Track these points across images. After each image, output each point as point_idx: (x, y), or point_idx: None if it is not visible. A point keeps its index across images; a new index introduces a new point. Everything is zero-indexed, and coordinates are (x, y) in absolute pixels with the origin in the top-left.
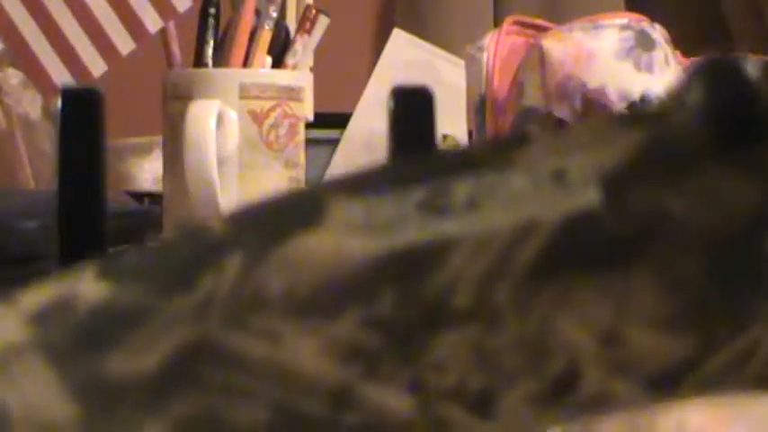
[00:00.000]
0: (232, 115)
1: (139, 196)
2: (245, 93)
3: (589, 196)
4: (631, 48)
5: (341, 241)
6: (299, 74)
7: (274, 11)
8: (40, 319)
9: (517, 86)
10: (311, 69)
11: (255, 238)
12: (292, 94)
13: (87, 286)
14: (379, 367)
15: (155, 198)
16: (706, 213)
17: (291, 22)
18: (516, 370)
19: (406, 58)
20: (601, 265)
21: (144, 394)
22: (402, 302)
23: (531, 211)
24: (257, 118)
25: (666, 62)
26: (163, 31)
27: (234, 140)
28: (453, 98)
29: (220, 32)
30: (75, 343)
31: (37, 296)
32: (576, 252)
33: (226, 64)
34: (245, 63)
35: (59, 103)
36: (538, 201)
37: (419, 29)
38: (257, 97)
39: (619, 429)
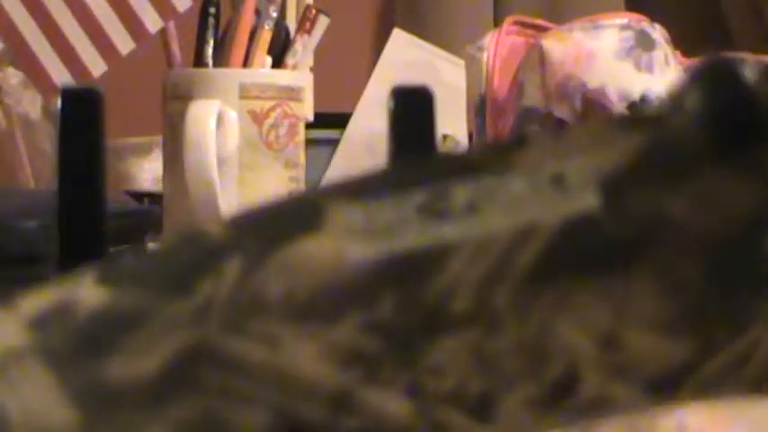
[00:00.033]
0: (232, 115)
1: (139, 196)
2: (245, 93)
3: (588, 200)
4: (631, 48)
5: (340, 245)
6: (299, 74)
7: (274, 11)
8: (40, 324)
9: (517, 86)
10: (311, 69)
11: (255, 243)
12: (292, 94)
13: (87, 291)
14: (379, 372)
15: (155, 198)
16: (705, 216)
17: (291, 22)
18: (515, 374)
19: (406, 58)
20: (600, 268)
21: (143, 398)
22: (401, 307)
23: (531, 215)
24: (257, 118)
25: (666, 62)
26: (163, 31)
27: (234, 140)
28: (453, 98)
29: (220, 32)
30: (74, 348)
31: (36, 301)
32: (576, 256)
33: (226, 64)
34: (245, 63)
35: (59, 103)
36: (537, 204)
37: (419, 29)
38: (257, 97)
39: (618, 431)
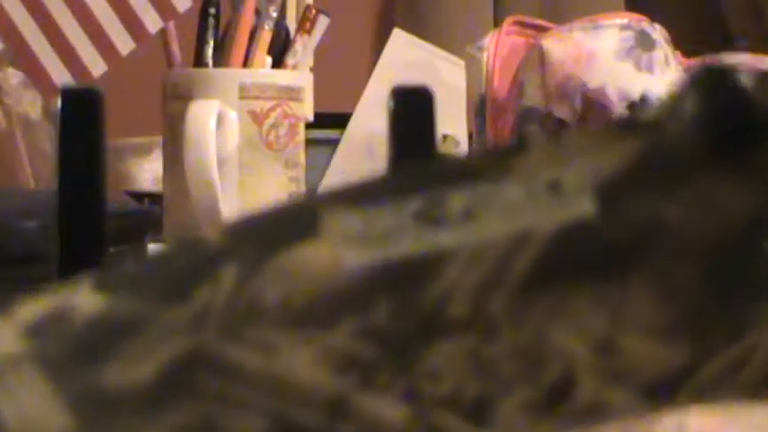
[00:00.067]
0: (232, 115)
1: (139, 196)
2: (245, 93)
3: (584, 206)
4: (631, 48)
5: (337, 252)
6: (299, 74)
7: (274, 11)
8: (37, 330)
9: (517, 86)
10: (311, 69)
11: (252, 249)
12: (292, 94)
13: (84, 298)
14: (375, 377)
15: (155, 198)
16: (702, 221)
17: (291, 22)
18: (512, 378)
19: (406, 58)
20: (596, 274)
21: (140, 405)
22: (397, 313)
23: (526, 222)
24: (257, 118)
25: (666, 62)
26: (163, 31)
27: (234, 140)
28: (453, 98)
29: (220, 32)
30: (71, 354)
31: (33, 308)
32: (571, 262)
33: (226, 64)
34: (245, 63)
35: (59, 103)
36: (533, 211)
37: (419, 29)
38: (257, 97)
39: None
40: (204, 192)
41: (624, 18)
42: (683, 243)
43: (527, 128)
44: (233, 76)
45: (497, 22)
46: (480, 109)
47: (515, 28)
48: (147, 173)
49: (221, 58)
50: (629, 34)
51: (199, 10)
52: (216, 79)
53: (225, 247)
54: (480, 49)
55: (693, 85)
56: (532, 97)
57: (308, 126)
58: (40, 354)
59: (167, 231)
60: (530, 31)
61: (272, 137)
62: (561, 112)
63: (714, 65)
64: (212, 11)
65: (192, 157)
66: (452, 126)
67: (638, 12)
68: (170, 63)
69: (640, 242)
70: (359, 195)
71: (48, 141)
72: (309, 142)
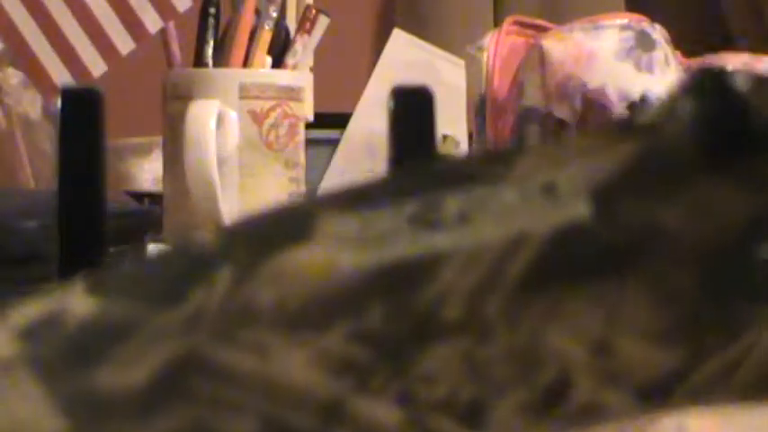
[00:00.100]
0: (232, 115)
1: (139, 196)
2: (245, 93)
3: (578, 209)
4: (631, 48)
5: (331, 255)
6: (299, 74)
7: (274, 11)
8: (29, 334)
9: (517, 86)
10: (311, 69)
11: (246, 252)
12: (292, 94)
13: (76, 301)
14: (369, 380)
15: (155, 198)
16: (699, 225)
17: (291, 22)
18: (507, 380)
19: (406, 58)
20: (592, 275)
21: (132, 408)
22: (392, 315)
23: (521, 225)
24: (257, 118)
25: (666, 62)
26: (163, 31)
27: (234, 140)
28: (453, 98)
29: (220, 32)
30: (63, 357)
31: (26, 311)
32: (567, 264)
33: (226, 64)
34: (245, 63)
35: (59, 103)
36: (527, 214)
37: (419, 29)
38: (257, 97)
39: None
40: (204, 192)
41: (624, 18)
42: (679, 246)
43: (527, 128)
44: (233, 76)
45: (497, 22)
46: (480, 109)
47: (515, 28)
48: (147, 173)
49: (221, 58)
50: (629, 34)
51: (199, 10)
52: (216, 79)
53: (219, 249)
54: (480, 49)
55: (691, 88)
56: (532, 97)
57: (308, 126)
58: (33, 356)
59: (167, 231)
60: (530, 31)
61: (272, 137)
62: (561, 112)
63: (712, 67)
64: (212, 11)
65: (191, 157)
66: (452, 126)
67: (638, 12)
68: (170, 63)
69: (636, 244)
70: (354, 198)
71: (48, 141)
72: (309, 142)
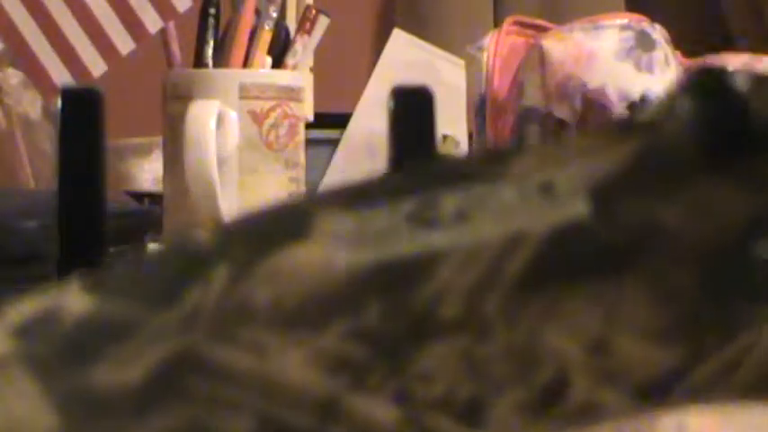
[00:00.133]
0: (232, 115)
1: (139, 196)
2: (245, 93)
3: (577, 207)
4: (631, 48)
5: (328, 253)
6: (299, 74)
7: (274, 11)
8: (25, 331)
9: (517, 86)
10: (311, 69)
11: (243, 251)
12: (292, 94)
13: (72, 299)
14: (366, 379)
15: (155, 198)
16: (699, 225)
17: (291, 22)
18: (505, 379)
19: (406, 58)
20: (590, 274)
21: (128, 406)
22: (389, 314)
23: (519, 223)
24: (257, 118)
25: (666, 62)
26: (163, 31)
27: (234, 140)
28: (453, 98)
29: (220, 32)
30: (59, 355)
31: (22, 309)
32: (565, 263)
33: (226, 64)
34: (245, 63)
35: (59, 103)
36: (525, 213)
37: (419, 29)
38: (257, 97)
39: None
40: (204, 192)
41: (624, 18)
42: (678, 245)
43: (527, 128)
44: (233, 76)
45: (497, 22)
46: (480, 109)
47: (515, 28)
48: (147, 173)
49: (221, 58)
50: (629, 34)
51: (199, 10)
52: (216, 79)
53: (216, 248)
54: (480, 49)
55: (690, 88)
56: (532, 97)
57: (308, 126)
58: (28, 354)
59: (167, 231)
60: (530, 31)
61: (272, 137)
62: (561, 112)
63: (712, 67)
64: (212, 11)
65: (192, 157)
66: (452, 126)
67: (638, 12)
68: (170, 63)
69: (635, 243)
70: (352, 197)
71: (48, 141)
72: (309, 142)
